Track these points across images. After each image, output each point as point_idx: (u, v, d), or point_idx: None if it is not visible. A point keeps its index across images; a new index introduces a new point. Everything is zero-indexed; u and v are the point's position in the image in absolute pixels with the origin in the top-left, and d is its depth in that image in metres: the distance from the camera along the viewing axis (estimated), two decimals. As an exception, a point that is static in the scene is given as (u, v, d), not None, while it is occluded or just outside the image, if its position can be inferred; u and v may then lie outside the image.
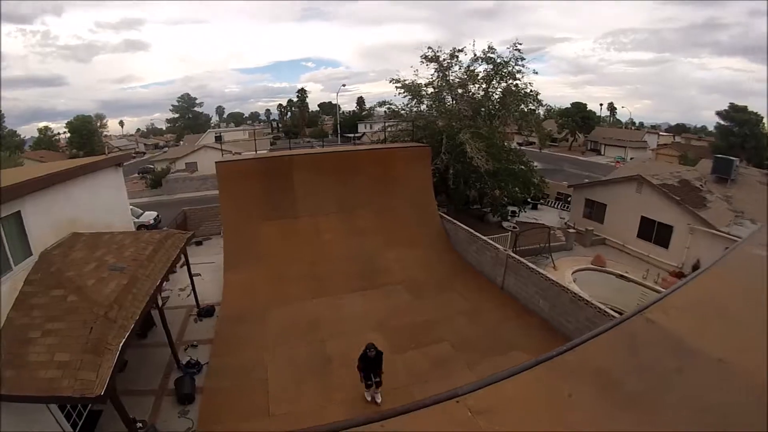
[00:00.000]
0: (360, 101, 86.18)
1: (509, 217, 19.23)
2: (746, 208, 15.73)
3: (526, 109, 18.17)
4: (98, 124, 70.89)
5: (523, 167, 17.99)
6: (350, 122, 65.73)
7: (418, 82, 18.58)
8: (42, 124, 72.57)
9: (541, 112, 22.26)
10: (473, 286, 11.32)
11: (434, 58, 18.16)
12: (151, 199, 30.52)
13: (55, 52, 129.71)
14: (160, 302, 10.76)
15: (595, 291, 10.79)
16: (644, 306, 2.17)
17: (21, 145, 59.90)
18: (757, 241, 2.80)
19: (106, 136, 77.78)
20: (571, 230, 17.29)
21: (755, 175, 18.21)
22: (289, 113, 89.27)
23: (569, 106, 59.36)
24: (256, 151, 22.14)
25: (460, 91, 18.04)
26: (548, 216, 21.63)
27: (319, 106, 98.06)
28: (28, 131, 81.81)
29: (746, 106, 43.06)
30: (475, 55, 18.02)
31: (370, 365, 6.91)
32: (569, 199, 21.78)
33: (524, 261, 10.35)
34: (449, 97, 18.40)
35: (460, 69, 18.18)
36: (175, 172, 34.71)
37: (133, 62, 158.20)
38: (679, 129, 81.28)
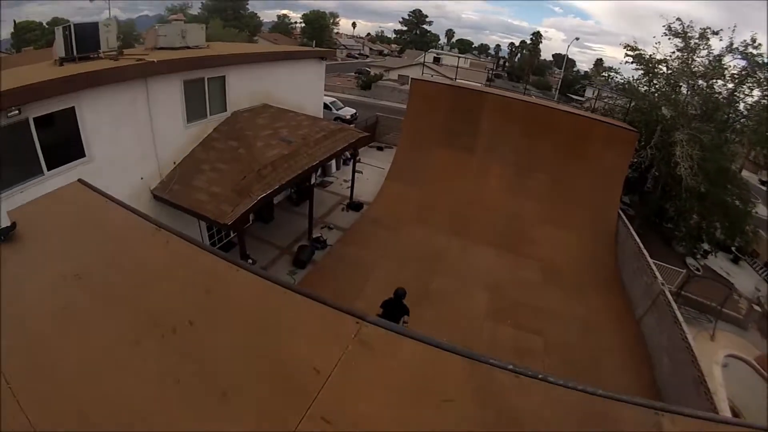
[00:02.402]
0: (599, 63, 71.88)
1: (698, 256, 15.34)
2: None
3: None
4: (331, 21, 75.51)
5: (738, 204, 13.86)
6: (577, 82, 55.53)
7: (656, 57, 15.12)
8: (283, 11, 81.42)
9: None
10: (609, 304, 9.52)
11: (680, 33, 14.50)
12: (357, 98, 32.93)
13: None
14: (313, 180, 11.98)
15: (741, 393, 8.02)
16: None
17: (259, 26, 67.60)
18: None
19: (337, 33, 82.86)
20: (759, 309, 13.18)
21: None
22: (519, 55, 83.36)
23: None
24: (455, 77, 21.14)
25: (700, 82, 14.12)
26: (743, 279, 16.26)
27: (553, 56, 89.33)
28: (269, 15, 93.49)
29: None
30: (731, 44, 13.64)
31: (391, 309, 6.31)
32: (782, 268, 16.29)
33: (674, 307, 8.25)
34: (684, 85, 14.53)
35: (708, 55, 14.10)
36: (386, 80, 36.57)
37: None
38: None
